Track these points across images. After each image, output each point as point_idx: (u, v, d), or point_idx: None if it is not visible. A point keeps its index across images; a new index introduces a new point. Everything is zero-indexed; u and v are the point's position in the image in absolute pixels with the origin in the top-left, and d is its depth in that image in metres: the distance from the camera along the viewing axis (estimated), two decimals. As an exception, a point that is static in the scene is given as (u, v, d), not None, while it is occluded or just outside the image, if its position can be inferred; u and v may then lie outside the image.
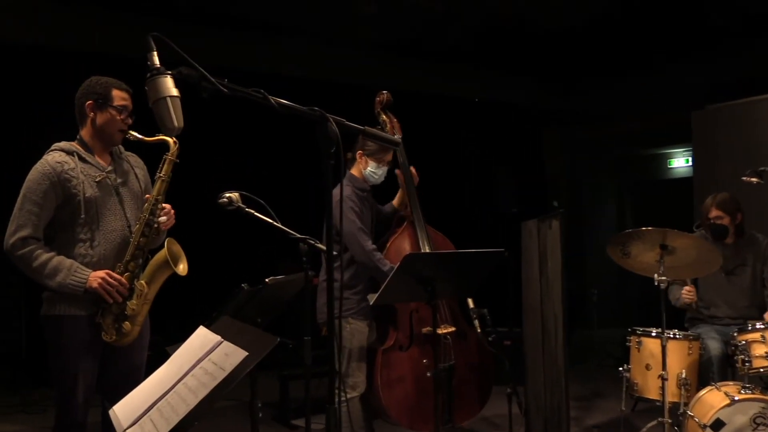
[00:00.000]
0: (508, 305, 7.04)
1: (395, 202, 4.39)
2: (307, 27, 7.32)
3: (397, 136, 4.30)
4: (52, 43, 6.39)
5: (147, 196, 3.15)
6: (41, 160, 3.07)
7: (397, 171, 4.25)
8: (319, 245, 2.81)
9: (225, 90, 1.56)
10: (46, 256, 3.00)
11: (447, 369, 4.09)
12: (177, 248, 3.10)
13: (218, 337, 2.01)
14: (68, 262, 3.01)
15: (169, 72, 1.56)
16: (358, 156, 4.12)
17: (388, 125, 4.34)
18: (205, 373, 1.88)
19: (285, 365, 5.52)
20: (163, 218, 3.11)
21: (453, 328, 4.13)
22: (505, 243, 6.47)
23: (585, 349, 8.00)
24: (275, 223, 2.88)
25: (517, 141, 9.20)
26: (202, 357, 1.97)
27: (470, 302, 4.15)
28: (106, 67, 3.23)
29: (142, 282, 3.06)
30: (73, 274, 2.99)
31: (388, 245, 4.12)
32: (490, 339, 4.20)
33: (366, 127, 1.81)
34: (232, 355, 1.84)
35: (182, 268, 3.08)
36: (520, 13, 7.25)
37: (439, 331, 4.08)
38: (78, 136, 3.17)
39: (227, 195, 2.97)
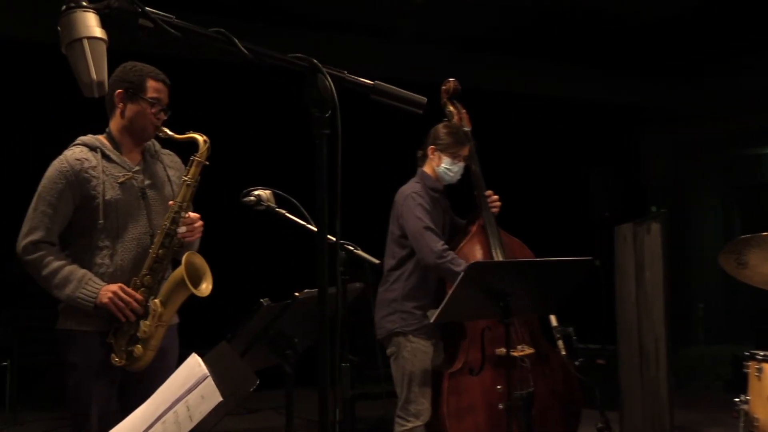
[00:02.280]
0: (600, 319, 6.38)
1: None
2: (371, 23, 6.89)
3: (466, 129, 3.79)
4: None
5: (171, 202, 2.73)
6: (60, 156, 2.71)
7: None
8: (361, 253, 2.33)
9: (173, 31, 1.11)
10: (57, 263, 2.64)
11: (525, 397, 3.52)
12: (200, 262, 2.66)
13: (204, 371, 1.55)
14: (81, 272, 2.64)
15: (92, 6, 1.11)
16: (429, 152, 3.63)
17: (456, 116, 3.83)
18: (175, 421, 1.42)
19: (351, 382, 5.03)
20: (182, 228, 2.68)
21: (532, 350, 3.56)
22: (597, 250, 5.84)
23: (689, 370, 7.18)
24: (309, 227, 2.42)
25: (613, 141, 8.46)
26: (181, 396, 1.52)
27: (553, 320, 3.57)
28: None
29: (157, 301, 2.63)
30: (84, 287, 2.61)
31: (455, 252, 3.58)
32: (576, 363, 3.59)
33: (377, 82, 1.31)
34: (207, 400, 1.38)
35: (204, 287, 2.63)
36: (614, 5, 6.58)
37: (515, 354, 3.52)
38: (107, 129, 2.80)
39: (256, 193, 2.53)
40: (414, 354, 3.50)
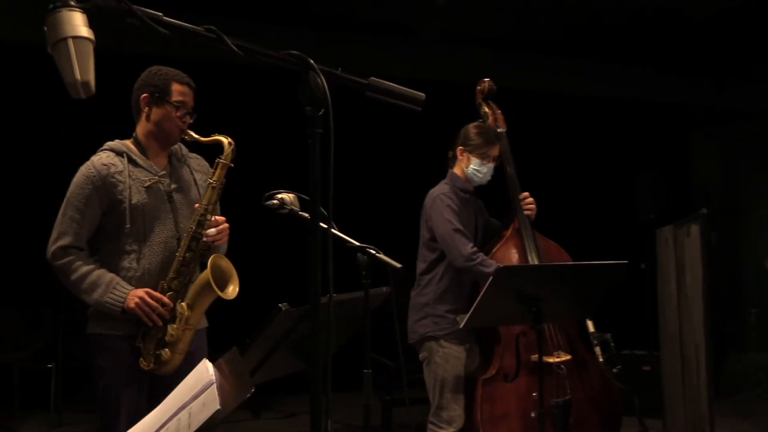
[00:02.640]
0: (646, 325, 6.21)
1: None
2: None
3: (501, 130, 3.72)
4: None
5: (196, 205, 2.73)
6: (88, 162, 2.74)
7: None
8: (382, 256, 2.29)
9: (161, 29, 1.08)
10: (85, 268, 2.66)
11: (561, 405, 3.43)
12: (226, 265, 2.65)
13: (211, 378, 1.53)
14: (108, 276, 2.65)
15: (79, 5, 1.08)
16: (458, 153, 3.57)
17: (490, 117, 3.75)
18: (176, 428, 1.40)
19: (388, 388, 4.99)
20: (211, 230, 2.68)
21: (569, 356, 3.46)
22: (643, 253, 5.66)
23: (741, 378, 6.93)
24: (332, 230, 2.37)
25: (661, 142, 8.23)
26: (186, 403, 1.50)
27: (590, 325, 3.47)
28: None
29: (183, 305, 2.63)
30: (111, 291, 2.62)
31: (489, 257, 3.50)
32: (615, 370, 3.48)
33: (372, 79, 1.27)
34: (207, 407, 1.35)
35: (231, 290, 2.62)
36: (661, 3, 6.39)
37: (551, 360, 3.44)
38: (134, 134, 2.82)
39: (279, 196, 2.50)
40: (446, 359, 3.43)
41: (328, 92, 1.14)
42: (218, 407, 1.29)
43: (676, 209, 6.87)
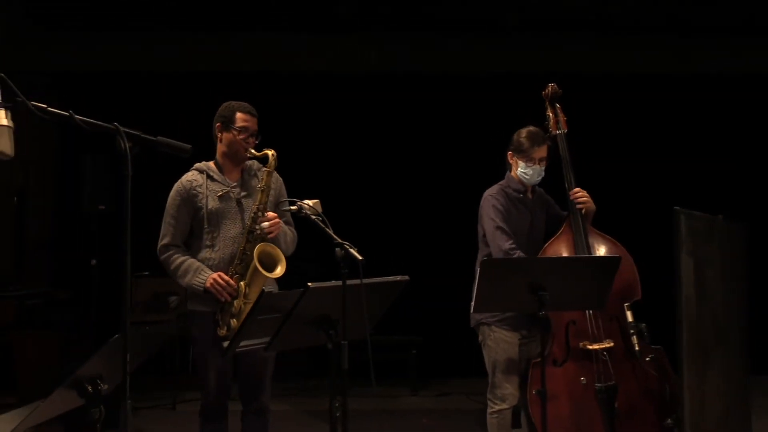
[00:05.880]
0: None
1: None
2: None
3: (561, 132, 3.97)
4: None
5: (253, 206, 3.48)
6: (180, 179, 3.60)
7: None
8: (352, 251, 2.81)
9: (40, 114, 1.76)
10: (180, 259, 3.51)
11: (604, 390, 3.64)
12: (273, 251, 3.38)
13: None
14: (196, 264, 3.49)
15: (2, 105, 1.80)
16: (508, 157, 3.91)
17: (552, 120, 4.01)
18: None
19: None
20: (264, 224, 3.40)
21: (611, 344, 3.65)
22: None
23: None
24: (326, 229, 2.95)
25: None
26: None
27: (629, 315, 3.63)
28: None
29: (242, 284, 3.40)
30: (197, 276, 3.45)
31: (542, 250, 3.81)
32: (648, 359, 3.61)
33: (159, 137, 1.83)
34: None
35: (278, 271, 3.34)
36: None
37: (594, 347, 3.67)
38: (215, 156, 3.65)
39: (300, 203, 3.12)
40: (497, 343, 3.79)
41: (128, 149, 1.75)
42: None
43: None
